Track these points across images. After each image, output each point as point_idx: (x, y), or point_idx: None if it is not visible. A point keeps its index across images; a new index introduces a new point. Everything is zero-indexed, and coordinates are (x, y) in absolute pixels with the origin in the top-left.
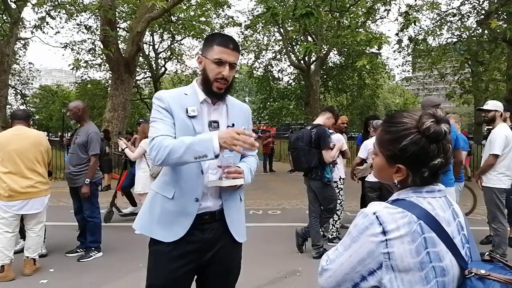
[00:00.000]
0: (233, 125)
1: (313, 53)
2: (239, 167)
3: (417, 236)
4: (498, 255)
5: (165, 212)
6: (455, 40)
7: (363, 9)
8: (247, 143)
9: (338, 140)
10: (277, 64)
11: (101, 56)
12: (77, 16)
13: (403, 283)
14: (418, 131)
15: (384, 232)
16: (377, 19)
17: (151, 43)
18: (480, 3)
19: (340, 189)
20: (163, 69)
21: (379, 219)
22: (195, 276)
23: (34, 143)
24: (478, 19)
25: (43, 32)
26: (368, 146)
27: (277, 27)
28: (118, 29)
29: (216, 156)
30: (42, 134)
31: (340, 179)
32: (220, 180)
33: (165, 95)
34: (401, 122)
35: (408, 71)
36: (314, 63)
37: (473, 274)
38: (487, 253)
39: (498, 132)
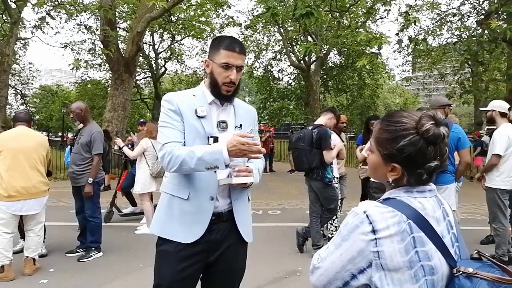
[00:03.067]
0: (240, 125)
1: (313, 53)
2: (248, 166)
3: (406, 236)
4: (487, 254)
5: (183, 213)
6: (455, 40)
7: (363, 9)
8: (253, 151)
9: (334, 140)
10: (277, 64)
11: (101, 56)
12: (77, 16)
13: (393, 281)
14: (417, 132)
15: (374, 231)
16: (377, 19)
17: (151, 43)
18: (480, 3)
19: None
20: (163, 69)
21: (369, 218)
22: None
23: (38, 143)
24: (478, 19)
25: (43, 32)
26: None
27: (277, 27)
28: (118, 29)
29: (227, 166)
30: (45, 136)
31: (334, 178)
32: (230, 178)
33: (174, 97)
34: (400, 122)
35: (408, 71)
36: (314, 63)
37: (461, 272)
38: (476, 251)
39: (500, 132)
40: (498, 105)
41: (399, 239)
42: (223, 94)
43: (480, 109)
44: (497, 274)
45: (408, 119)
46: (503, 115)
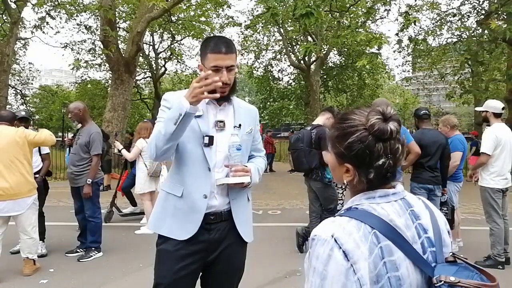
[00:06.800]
0: (240, 125)
1: (313, 53)
2: (246, 166)
3: (373, 247)
4: (462, 256)
5: (177, 210)
6: (455, 40)
7: (363, 9)
8: (207, 83)
9: None
10: (277, 64)
11: (101, 56)
12: (77, 16)
13: None
14: (365, 128)
15: (346, 256)
16: (377, 19)
17: (151, 43)
18: (480, 3)
19: (344, 189)
20: (163, 69)
21: (337, 242)
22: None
23: (10, 142)
24: (478, 19)
25: (43, 32)
26: None
27: (277, 27)
28: (118, 29)
29: (189, 112)
30: (20, 130)
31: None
32: (227, 177)
33: (172, 96)
34: (350, 119)
35: (408, 71)
36: (314, 63)
37: (442, 282)
38: (450, 253)
39: (489, 131)
40: (492, 105)
41: (368, 253)
42: (219, 97)
43: (475, 109)
44: (477, 278)
45: (358, 116)
46: (496, 115)
